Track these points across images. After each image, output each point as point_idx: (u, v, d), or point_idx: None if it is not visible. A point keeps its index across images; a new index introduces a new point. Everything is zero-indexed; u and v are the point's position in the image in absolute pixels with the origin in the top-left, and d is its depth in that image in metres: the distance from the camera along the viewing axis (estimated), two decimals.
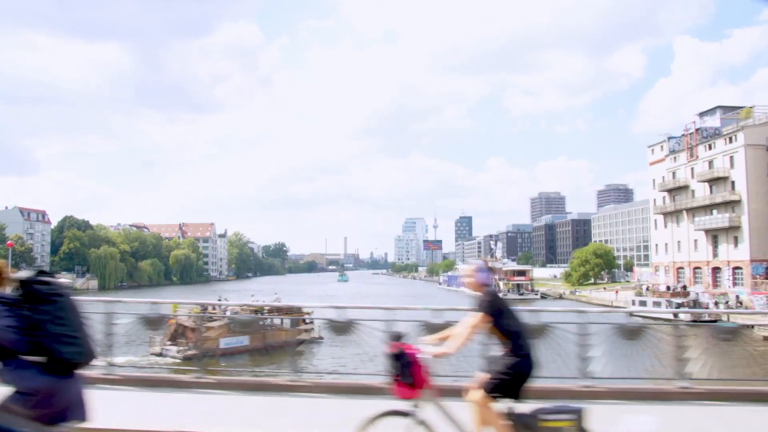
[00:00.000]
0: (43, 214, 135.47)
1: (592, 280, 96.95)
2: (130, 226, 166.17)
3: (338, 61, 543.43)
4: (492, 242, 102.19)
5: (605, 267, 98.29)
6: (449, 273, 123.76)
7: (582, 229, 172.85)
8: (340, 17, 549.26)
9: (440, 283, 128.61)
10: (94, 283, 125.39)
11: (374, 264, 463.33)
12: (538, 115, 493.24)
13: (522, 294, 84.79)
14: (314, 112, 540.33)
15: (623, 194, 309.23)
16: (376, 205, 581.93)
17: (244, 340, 28.00)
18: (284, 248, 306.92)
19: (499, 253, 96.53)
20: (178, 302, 33.82)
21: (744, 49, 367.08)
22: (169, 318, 30.33)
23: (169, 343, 31.29)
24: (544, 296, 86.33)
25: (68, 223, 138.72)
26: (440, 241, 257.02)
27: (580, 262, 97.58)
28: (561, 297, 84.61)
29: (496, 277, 70.12)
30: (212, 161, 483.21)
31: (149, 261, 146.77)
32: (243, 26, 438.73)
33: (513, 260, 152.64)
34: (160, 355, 30.96)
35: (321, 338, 26.86)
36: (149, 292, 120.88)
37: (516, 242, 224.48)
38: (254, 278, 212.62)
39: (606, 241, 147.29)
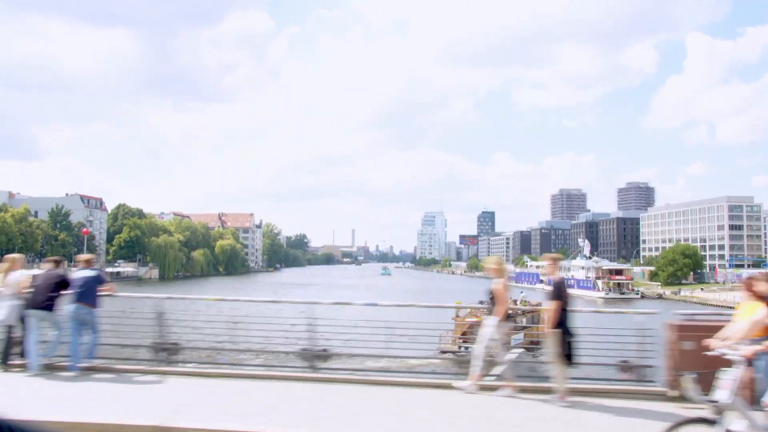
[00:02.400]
0: (101, 201, 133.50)
1: (680, 281, 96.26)
2: (174, 214, 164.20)
3: (347, 52, 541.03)
4: (580, 239, 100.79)
5: (693, 267, 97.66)
6: (518, 269, 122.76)
7: (631, 228, 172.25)
8: (349, 7, 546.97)
9: None
10: (155, 273, 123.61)
11: (383, 257, 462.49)
12: (547, 110, 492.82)
13: (623, 293, 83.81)
14: (322, 103, 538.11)
15: (644, 192, 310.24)
16: (381, 197, 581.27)
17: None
18: (305, 240, 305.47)
19: (586, 251, 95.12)
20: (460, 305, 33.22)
21: (757, 47, 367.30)
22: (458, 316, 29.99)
23: (460, 340, 30.35)
24: (643, 296, 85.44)
25: (122, 211, 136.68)
26: (477, 236, 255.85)
27: (667, 262, 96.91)
28: (661, 297, 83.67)
29: (594, 276, 68.69)
30: (218, 152, 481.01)
31: (201, 251, 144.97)
32: (253, 15, 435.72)
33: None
34: (455, 353, 30.00)
35: None
36: (206, 282, 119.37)
37: (549, 239, 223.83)
38: (283, 270, 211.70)
39: (666, 240, 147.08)
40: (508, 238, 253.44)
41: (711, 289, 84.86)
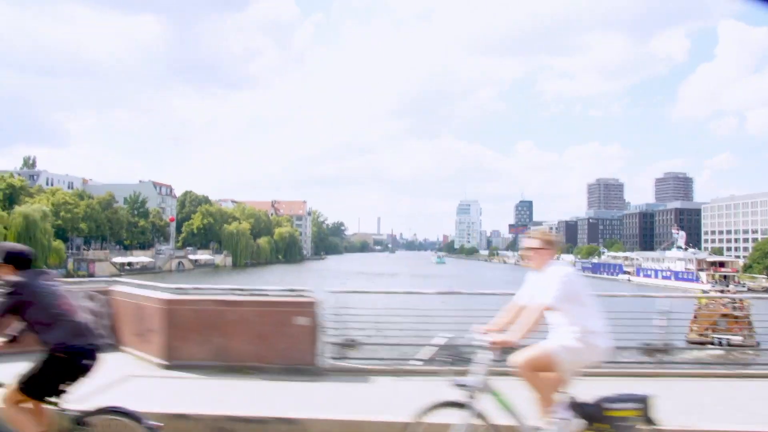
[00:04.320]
0: (170, 188, 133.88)
1: None
2: (233, 201, 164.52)
3: (372, 40, 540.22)
4: (674, 230, 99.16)
5: None
6: (593, 259, 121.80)
7: (689, 218, 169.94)
8: None
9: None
10: (229, 260, 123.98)
11: (410, 245, 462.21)
12: (573, 99, 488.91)
13: (728, 287, 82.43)
14: (345, 90, 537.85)
15: (682, 182, 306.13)
16: (402, 185, 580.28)
17: None
18: (342, 227, 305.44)
19: (682, 242, 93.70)
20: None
21: None
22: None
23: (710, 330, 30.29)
24: (750, 290, 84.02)
25: (189, 198, 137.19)
26: (526, 226, 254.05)
27: (762, 254, 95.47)
28: None
29: (696, 267, 67.26)
30: (241, 138, 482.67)
31: (266, 238, 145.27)
32: (278, 2, 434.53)
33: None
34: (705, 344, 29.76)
35: None
36: (276, 270, 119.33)
37: (597, 229, 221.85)
38: (327, 257, 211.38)
39: (733, 231, 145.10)
40: (551, 228, 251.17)
41: None
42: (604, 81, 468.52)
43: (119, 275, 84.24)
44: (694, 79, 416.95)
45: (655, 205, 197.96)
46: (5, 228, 64.90)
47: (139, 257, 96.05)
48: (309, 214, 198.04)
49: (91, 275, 79.45)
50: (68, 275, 75.43)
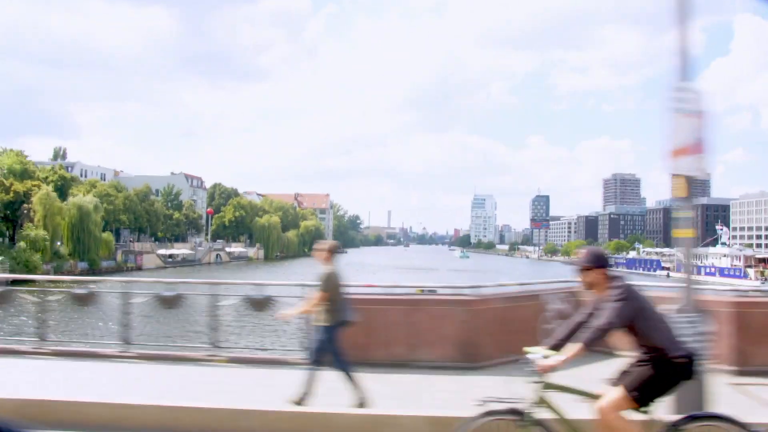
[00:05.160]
0: (201, 180, 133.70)
1: None
2: (257, 194, 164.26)
3: (383, 32, 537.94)
4: (718, 226, 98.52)
5: None
6: (628, 255, 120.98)
7: (715, 215, 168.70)
8: None
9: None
10: (261, 253, 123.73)
11: (421, 239, 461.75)
12: (586, 93, 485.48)
13: None
14: (356, 83, 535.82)
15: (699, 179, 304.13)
16: (411, 179, 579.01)
17: None
18: (358, 221, 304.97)
19: (725, 238, 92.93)
20: None
21: None
22: None
23: None
24: None
25: (218, 190, 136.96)
26: (548, 221, 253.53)
27: None
28: None
29: (742, 263, 66.38)
30: (251, 131, 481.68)
31: (294, 231, 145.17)
32: None
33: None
34: None
35: None
36: (307, 263, 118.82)
37: (618, 224, 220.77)
38: (347, 251, 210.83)
39: (763, 227, 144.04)
40: (569, 223, 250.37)
41: None
42: (616, 76, 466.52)
43: (165, 267, 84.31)
44: (709, 74, 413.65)
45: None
46: (62, 219, 64.78)
47: (181, 249, 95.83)
48: (330, 207, 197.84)
49: (139, 268, 79.45)
50: (118, 268, 75.44)
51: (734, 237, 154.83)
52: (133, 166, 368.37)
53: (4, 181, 62.94)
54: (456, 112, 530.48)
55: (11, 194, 65.41)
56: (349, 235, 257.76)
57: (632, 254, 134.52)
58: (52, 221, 62.43)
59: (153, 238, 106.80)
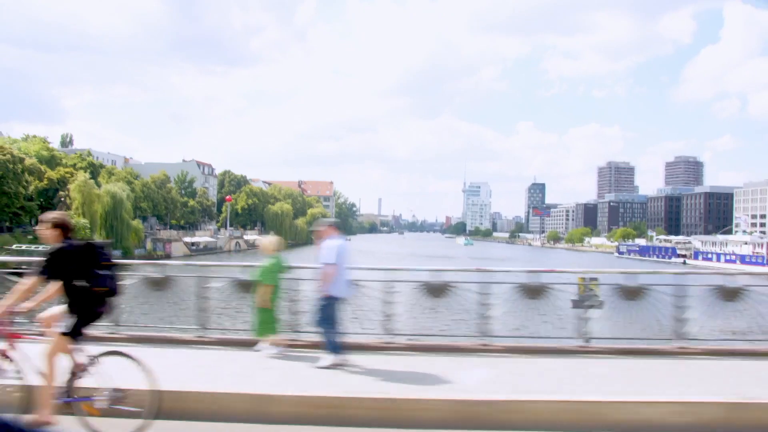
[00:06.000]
0: (212, 168, 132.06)
1: None
2: (264, 182, 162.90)
3: (375, 16, 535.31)
4: (738, 215, 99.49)
5: None
6: (642, 241, 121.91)
7: (717, 203, 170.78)
8: None
9: (620, 253, 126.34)
10: None
11: (412, 226, 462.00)
12: (576, 79, 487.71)
13: None
14: (347, 68, 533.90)
15: (693, 166, 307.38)
16: (401, 165, 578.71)
17: None
18: (354, 208, 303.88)
19: (746, 226, 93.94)
20: None
21: None
22: None
23: None
24: None
25: (228, 177, 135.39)
26: (549, 209, 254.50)
27: None
28: None
29: (765, 251, 67.12)
30: (240, 116, 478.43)
31: (303, 219, 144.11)
32: None
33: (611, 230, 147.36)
34: None
35: None
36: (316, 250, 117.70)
37: (617, 212, 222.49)
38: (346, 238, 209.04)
39: (761, 216, 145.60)
40: (567, 210, 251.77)
41: None
42: (608, 61, 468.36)
43: (191, 255, 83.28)
44: (699, 61, 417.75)
45: (685, 190, 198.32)
46: (99, 206, 63.59)
47: (203, 237, 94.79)
48: (334, 194, 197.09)
49: (168, 255, 78.36)
50: (149, 256, 74.27)
51: (737, 225, 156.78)
52: (121, 151, 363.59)
53: (41, 168, 61.58)
54: (446, 98, 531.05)
55: (45, 181, 64.14)
56: (348, 222, 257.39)
57: (639, 241, 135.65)
58: (90, 209, 61.33)
59: (167, 226, 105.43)
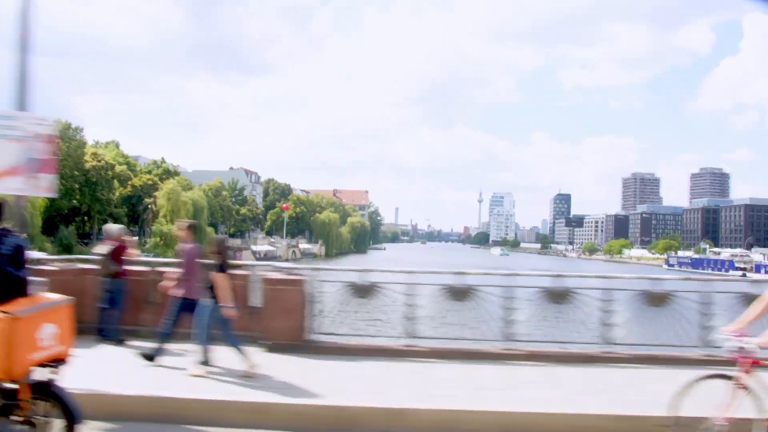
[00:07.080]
0: (258, 176, 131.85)
1: None
2: (301, 190, 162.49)
3: (391, 26, 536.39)
4: None
5: None
6: (694, 255, 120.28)
7: (762, 215, 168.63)
8: None
9: (670, 265, 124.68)
10: (323, 250, 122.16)
11: (430, 236, 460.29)
12: (592, 90, 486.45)
13: None
14: (362, 77, 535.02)
15: (718, 178, 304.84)
16: (414, 174, 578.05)
17: None
18: (378, 217, 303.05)
19: None
20: None
21: None
22: None
23: None
24: None
25: (272, 186, 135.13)
26: (582, 219, 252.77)
27: None
28: None
29: None
30: (255, 123, 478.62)
31: (346, 227, 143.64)
32: None
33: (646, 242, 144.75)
34: None
35: None
36: (365, 258, 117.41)
37: (650, 224, 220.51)
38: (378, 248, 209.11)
39: None
40: (597, 222, 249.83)
41: None
42: (624, 72, 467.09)
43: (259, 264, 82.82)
44: (718, 72, 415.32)
45: (723, 202, 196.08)
46: (185, 214, 63.03)
47: (263, 246, 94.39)
48: (368, 204, 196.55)
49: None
50: None
51: None
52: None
53: (130, 174, 61.25)
54: (460, 108, 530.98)
55: (128, 188, 63.77)
56: (378, 231, 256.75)
57: (685, 253, 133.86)
58: (177, 216, 60.74)
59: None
